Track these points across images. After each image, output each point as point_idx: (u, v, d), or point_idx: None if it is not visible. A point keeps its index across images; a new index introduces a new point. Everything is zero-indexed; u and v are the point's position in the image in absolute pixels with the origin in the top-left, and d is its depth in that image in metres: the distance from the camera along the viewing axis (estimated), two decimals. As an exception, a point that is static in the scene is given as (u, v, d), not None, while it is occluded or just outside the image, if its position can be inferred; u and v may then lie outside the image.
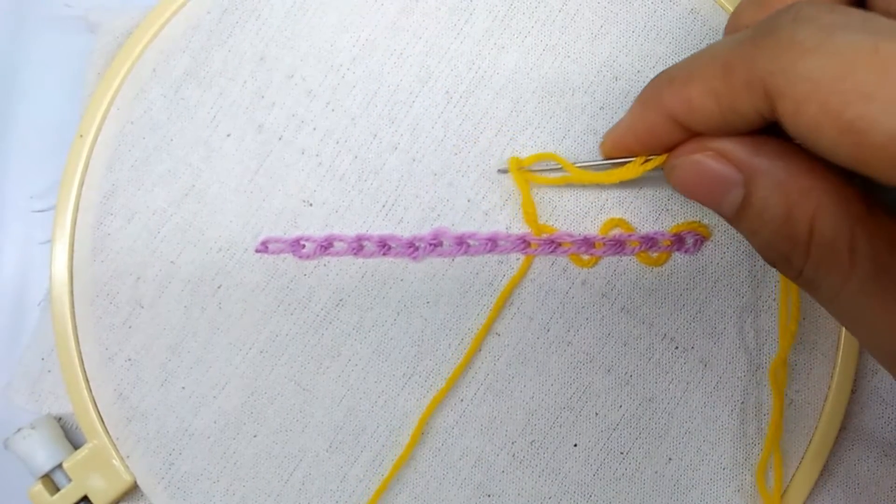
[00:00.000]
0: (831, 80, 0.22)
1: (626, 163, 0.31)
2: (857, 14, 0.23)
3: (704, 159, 0.27)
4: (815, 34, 0.22)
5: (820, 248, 0.25)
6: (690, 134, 0.28)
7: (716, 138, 0.27)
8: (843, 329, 0.34)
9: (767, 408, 0.34)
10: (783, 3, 0.27)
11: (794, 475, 0.34)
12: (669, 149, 0.29)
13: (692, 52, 0.34)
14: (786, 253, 0.26)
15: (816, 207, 0.25)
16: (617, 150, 0.31)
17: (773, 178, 0.25)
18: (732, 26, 0.29)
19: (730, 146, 0.26)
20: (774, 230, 0.26)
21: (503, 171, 0.34)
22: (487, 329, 0.34)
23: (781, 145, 0.26)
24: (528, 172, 0.34)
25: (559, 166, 0.33)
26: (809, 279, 0.26)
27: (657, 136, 0.29)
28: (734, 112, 0.25)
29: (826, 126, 0.22)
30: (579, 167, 0.33)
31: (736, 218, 0.27)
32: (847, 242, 0.24)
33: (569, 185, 0.34)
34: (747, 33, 0.25)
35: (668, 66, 0.34)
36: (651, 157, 0.30)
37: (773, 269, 0.34)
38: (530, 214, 0.34)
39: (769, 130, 0.25)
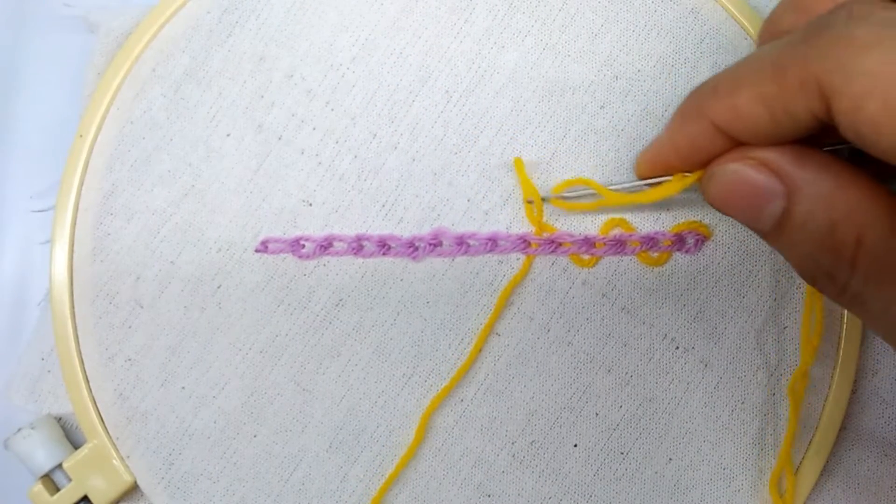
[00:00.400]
0: (893, 73, 0.21)
1: (661, 182, 0.30)
2: None
3: (744, 168, 0.26)
4: (872, 30, 0.22)
5: (868, 260, 0.24)
6: (734, 144, 0.27)
7: (758, 148, 0.26)
8: (844, 329, 0.34)
9: (768, 408, 0.34)
10: (823, 7, 0.26)
11: (794, 475, 0.34)
12: (710, 163, 0.28)
13: (692, 52, 0.35)
14: (829, 266, 0.25)
15: (863, 219, 0.24)
16: (655, 166, 0.30)
17: (818, 189, 0.25)
18: (768, 32, 0.28)
19: (773, 156, 0.26)
20: (817, 242, 0.25)
21: (532, 202, 0.34)
22: (490, 329, 0.34)
23: (825, 157, 0.25)
24: (562, 201, 0.34)
25: (591, 191, 0.33)
26: (856, 294, 0.25)
27: (699, 148, 0.28)
28: (787, 115, 0.24)
29: (887, 123, 0.21)
30: (613, 190, 0.32)
31: (774, 231, 0.26)
32: None
33: (602, 208, 0.34)
34: (797, 34, 0.24)
35: (670, 66, 0.35)
36: (688, 174, 0.29)
37: (774, 271, 0.34)
38: (537, 215, 0.34)
39: (810, 143, 0.25)
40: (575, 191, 0.34)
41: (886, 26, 0.22)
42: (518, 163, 0.34)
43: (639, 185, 0.31)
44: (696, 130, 0.27)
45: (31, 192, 0.38)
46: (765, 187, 0.26)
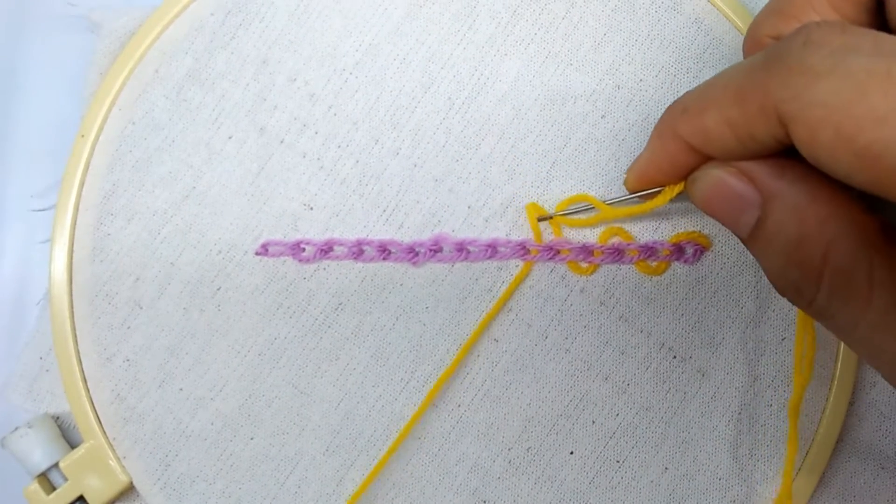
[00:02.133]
0: (844, 104, 0.21)
1: (652, 193, 0.31)
2: (868, 35, 0.22)
3: (725, 176, 0.27)
4: (826, 58, 0.22)
5: (835, 276, 0.24)
6: (709, 159, 0.28)
7: None
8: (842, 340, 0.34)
9: (764, 419, 0.34)
10: (803, 13, 0.27)
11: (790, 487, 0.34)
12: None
13: (695, 62, 0.35)
14: (796, 280, 0.25)
15: (833, 235, 0.24)
16: (642, 183, 0.31)
17: (791, 201, 0.25)
18: (751, 39, 0.29)
19: (753, 166, 0.26)
20: (786, 255, 0.25)
21: (543, 219, 0.34)
22: (480, 333, 0.34)
23: (804, 169, 0.25)
24: (563, 218, 0.34)
25: (589, 206, 0.33)
26: (822, 309, 0.25)
27: (679, 164, 0.29)
28: (751, 139, 0.25)
29: (841, 151, 0.22)
30: (608, 204, 0.33)
31: (749, 239, 0.27)
32: (865, 272, 0.24)
33: (601, 222, 0.34)
34: (758, 58, 0.24)
35: (672, 76, 0.35)
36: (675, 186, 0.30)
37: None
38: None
39: (791, 152, 0.25)
40: (576, 206, 0.34)
41: (839, 54, 0.22)
42: (530, 209, 0.34)
43: (632, 199, 0.32)
44: (672, 148, 0.28)
45: (32, 191, 0.38)
46: (742, 195, 0.26)
